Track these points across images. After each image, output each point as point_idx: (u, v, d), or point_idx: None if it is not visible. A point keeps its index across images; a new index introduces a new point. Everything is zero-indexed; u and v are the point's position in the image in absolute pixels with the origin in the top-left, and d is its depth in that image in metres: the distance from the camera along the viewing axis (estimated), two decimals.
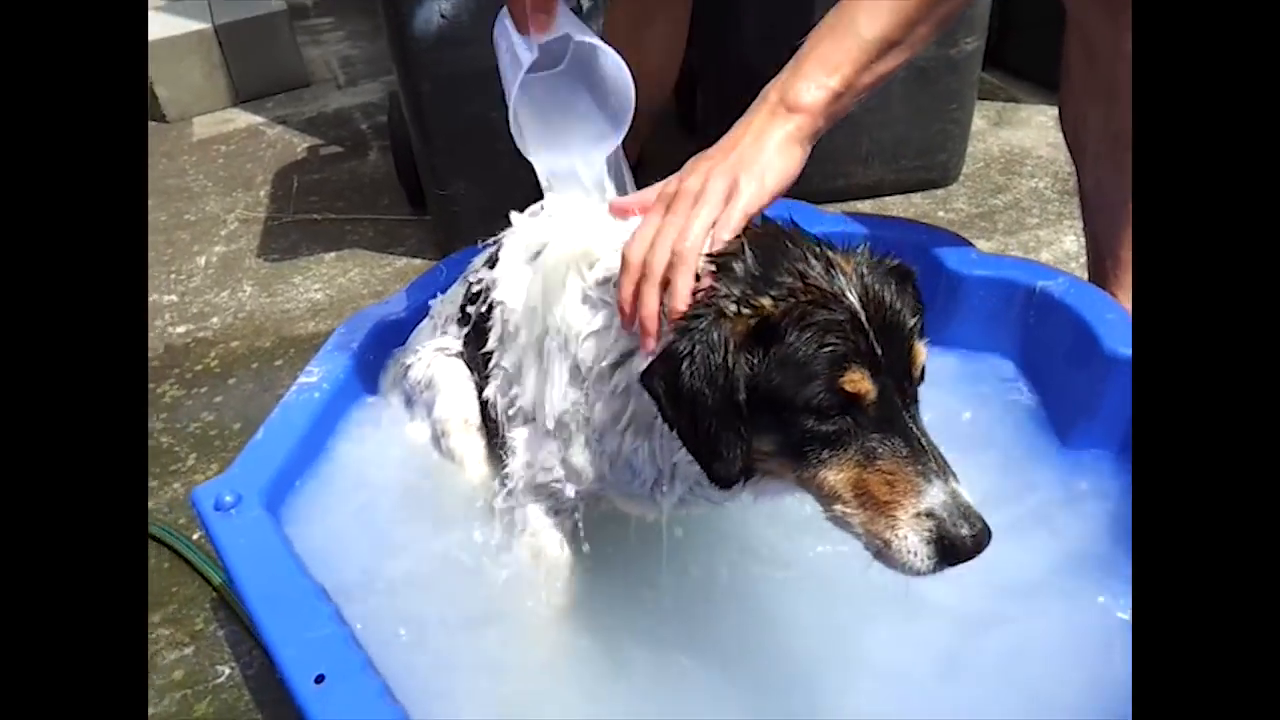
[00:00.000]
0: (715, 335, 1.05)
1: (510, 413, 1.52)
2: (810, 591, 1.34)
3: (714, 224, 1.17)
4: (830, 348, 1.02)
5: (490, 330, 1.55)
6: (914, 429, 1.03)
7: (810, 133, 1.26)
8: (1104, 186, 1.82)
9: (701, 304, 1.09)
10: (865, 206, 2.85)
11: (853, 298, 1.04)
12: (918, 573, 1.00)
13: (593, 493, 1.40)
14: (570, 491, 1.40)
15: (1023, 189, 2.87)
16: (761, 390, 1.05)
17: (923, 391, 1.75)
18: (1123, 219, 1.82)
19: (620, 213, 1.36)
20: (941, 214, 2.79)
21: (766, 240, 1.16)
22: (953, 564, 0.99)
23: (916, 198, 2.88)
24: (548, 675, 1.32)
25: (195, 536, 1.76)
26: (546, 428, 1.42)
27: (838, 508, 1.06)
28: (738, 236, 1.17)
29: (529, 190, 1.60)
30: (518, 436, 1.47)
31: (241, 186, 3.41)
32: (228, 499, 1.42)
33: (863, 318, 1.03)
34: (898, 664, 1.31)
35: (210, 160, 3.67)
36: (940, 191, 2.91)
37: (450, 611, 1.39)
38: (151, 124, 4.01)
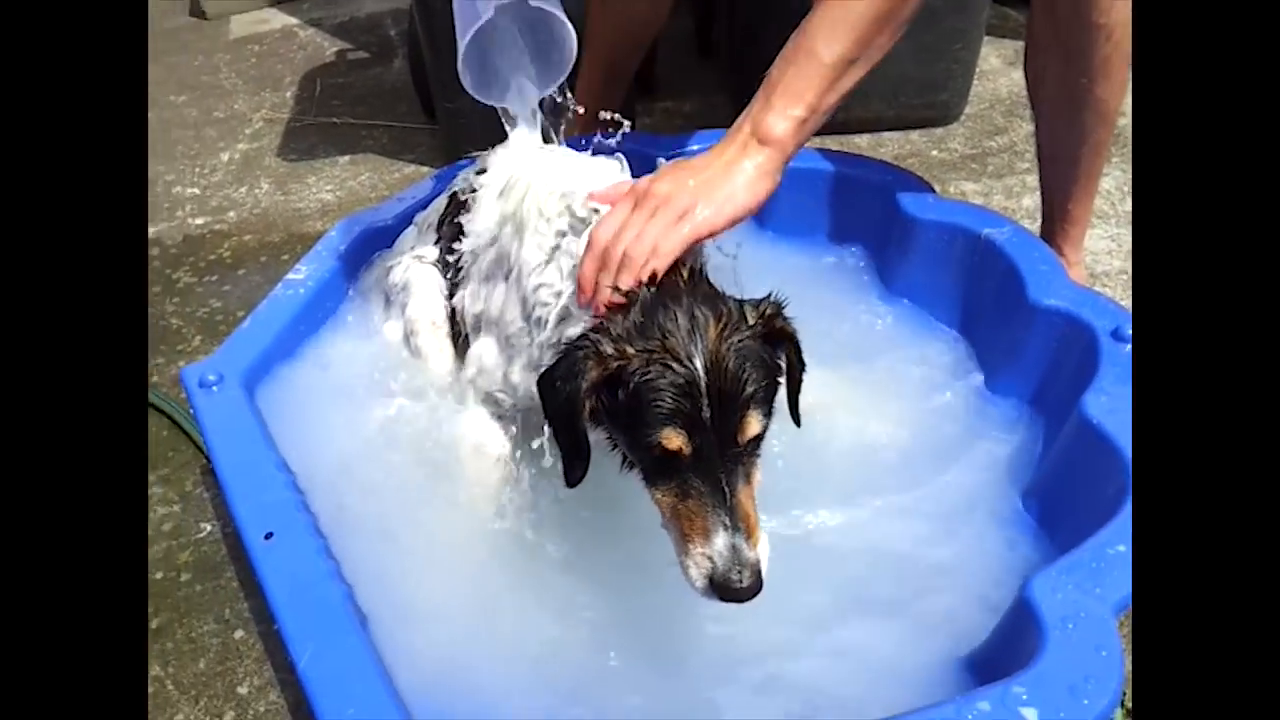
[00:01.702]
0: (579, 368, 1.22)
1: (473, 323, 1.69)
2: None
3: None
4: (659, 406, 1.16)
5: (463, 244, 1.70)
6: (724, 485, 1.16)
7: (780, 163, 1.36)
8: (1057, 139, 1.88)
9: (588, 335, 1.25)
10: (862, 141, 2.91)
11: (698, 363, 1.17)
12: (699, 594, 1.17)
13: (528, 407, 1.56)
14: (510, 401, 1.57)
15: (1021, 132, 2.90)
16: (615, 420, 1.24)
17: (867, 333, 1.90)
18: (1073, 174, 1.89)
19: (601, 200, 1.46)
20: (935, 153, 2.84)
21: (666, 291, 1.28)
22: (725, 600, 1.15)
23: (914, 135, 2.93)
24: (467, 549, 1.50)
25: None
26: (498, 342, 1.59)
27: (662, 521, 1.24)
28: (641, 284, 1.29)
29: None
30: (477, 346, 1.64)
31: (270, 87, 3.54)
32: (211, 378, 1.60)
33: (701, 384, 1.17)
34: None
35: (244, 59, 3.80)
36: (939, 130, 2.95)
37: (396, 489, 1.57)
38: (191, 20, 4.15)
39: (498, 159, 1.72)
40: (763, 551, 1.17)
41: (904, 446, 1.66)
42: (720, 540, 1.14)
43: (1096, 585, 1.16)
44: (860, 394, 1.76)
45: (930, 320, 1.91)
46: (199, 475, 1.85)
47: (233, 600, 1.60)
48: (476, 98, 1.69)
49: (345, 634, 1.17)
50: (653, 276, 1.30)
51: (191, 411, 1.59)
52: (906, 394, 1.77)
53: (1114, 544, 1.20)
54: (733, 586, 1.13)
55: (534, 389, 1.44)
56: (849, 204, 2.08)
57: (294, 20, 4.11)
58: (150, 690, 1.47)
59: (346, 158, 3.00)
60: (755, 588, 1.14)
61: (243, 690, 1.47)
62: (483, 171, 1.73)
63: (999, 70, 3.28)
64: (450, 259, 1.77)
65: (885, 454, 1.65)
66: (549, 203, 1.52)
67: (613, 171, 1.58)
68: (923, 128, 2.96)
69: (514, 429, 1.62)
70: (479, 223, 1.64)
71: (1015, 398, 1.71)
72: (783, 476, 1.55)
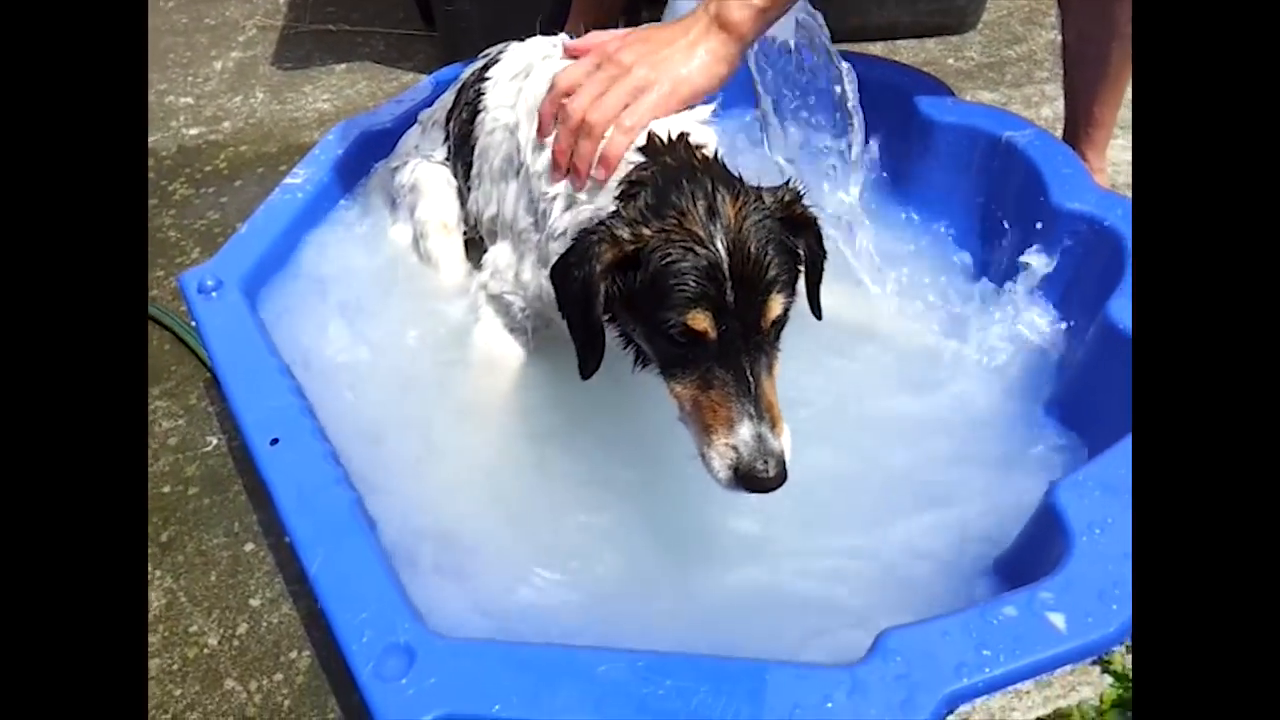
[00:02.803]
0: (594, 251, 1.17)
1: (489, 227, 1.63)
2: None
3: (624, 108, 1.30)
4: (683, 288, 1.12)
5: (474, 141, 1.64)
6: (748, 372, 1.13)
7: (737, 50, 1.38)
8: (1085, 39, 1.80)
9: (602, 220, 1.21)
10: (877, 49, 2.80)
11: (719, 245, 1.12)
12: (722, 485, 1.14)
13: (539, 311, 1.52)
14: (520, 304, 1.53)
15: (1040, 41, 2.80)
16: (633, 305, 1.19)
17: (887, 237, 1.85)
18: (1100, 75, 1.81)
19: (572, 53, 1.45)
20: (951, 61, 2.74)
21: (675, 172, 1.23)
22: (750, 491, 1.12)
23: (930, 43, 2.82)
24: (476, 457, 1.48)
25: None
26: (511, 243, 1.54)
27: (680, 414, 1.20)
28: (648, 166, 1.26)
29: (534, 10, 1.63)
30: (493, 250, 1.60)
31: None
32: (209, 283, 1.56)
33: (724, 266, 1.12)
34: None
35: None
36: (955, 38, 2.84)
37: (402, 398, 1.55)
38: None
39: (514, 49, 1.66)
40: (786, 442, 1.14)
41: (927, 351, 1.63)
42: (745, 430, 1.11)
43: (1124, 491, 1.13)
44: (879, 298, 1.72)
45: (951, 224, 1.86)
46: (202, 389, 1.81)
47: (242, 513, 1.57)
48: None
49: (355, 538, 1.15)
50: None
51: (192, 321, 1.55)
52: (927, 298, 1.73)
53: None
54: (758, 476, 1.10)
55: (544, 285, 1.40)
56: (867, 106, 2.00)
57: None
58: (164, 602, 1.46)
59: (343, 66, 2.89)
60: (781, 477, 1.11)
61: (255, 602, 1.45)
62: (495, 61, 1.66)
63: None
64: (460, 160, 1.71)
65: (907, 359, 1.62)
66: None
67: None
68: (939, 35, 2.85)
69: (527, 338, 1.58)
70: (494, 99, 1.59)
71: (1040, 301, 1.66)
72: (800, 381, 1.53)
